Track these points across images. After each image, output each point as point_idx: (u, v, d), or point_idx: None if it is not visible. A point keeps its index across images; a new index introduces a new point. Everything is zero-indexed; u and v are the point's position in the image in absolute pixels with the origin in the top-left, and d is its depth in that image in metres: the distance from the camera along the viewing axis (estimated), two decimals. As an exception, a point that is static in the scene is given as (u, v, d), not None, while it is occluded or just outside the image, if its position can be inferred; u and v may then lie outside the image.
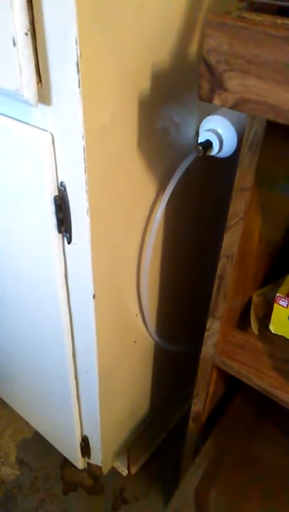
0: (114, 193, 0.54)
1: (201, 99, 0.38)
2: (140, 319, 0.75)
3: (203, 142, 0.59)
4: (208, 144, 0.59)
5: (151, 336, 0.80)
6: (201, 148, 0.58)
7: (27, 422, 1.05)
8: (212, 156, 0.60)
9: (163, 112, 0.56)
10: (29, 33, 0.41)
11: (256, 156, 0.43)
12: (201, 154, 0.59)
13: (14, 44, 0.41)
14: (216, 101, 0.37)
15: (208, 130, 0.59)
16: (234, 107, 0.36)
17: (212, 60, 0.35)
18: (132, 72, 0.48)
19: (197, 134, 0.62)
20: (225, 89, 0.36)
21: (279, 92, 0.33)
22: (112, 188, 0.54)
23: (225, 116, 0.59)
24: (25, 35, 0.41)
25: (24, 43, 0.41)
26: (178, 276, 0.79)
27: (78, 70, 0.41)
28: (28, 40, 0.42)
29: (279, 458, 0.68)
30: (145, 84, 0.51)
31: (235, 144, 0.60)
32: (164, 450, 1.03)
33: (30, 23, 0.41)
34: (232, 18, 0.33)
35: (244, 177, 0.45)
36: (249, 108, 0.35)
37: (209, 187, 0.73)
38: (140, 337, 0.78)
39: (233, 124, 0.59)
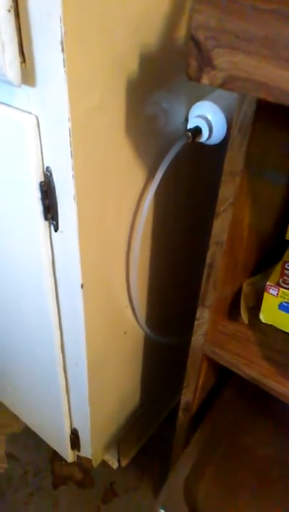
0: (102, 178, 0.53)
1: (190, 78, 0.37)
2: (130, 310, 0.74)
3: (193, 128, 0.58)
4: (197, 131, 0.58)
5: (141, 327, 0.79)
6: (190, 134, 0.57)
7: (16, 416, 1.04)
8: (202, 143, 0.60)
9: (152, 96, 0.55)
10: (12, 10, 0.40)
11: (246, 138, 0.42)
12: (190, 141, 0.58)
13: (-4, 21, 0.40)
14: (205, 80, 0.36)
15: (198, 116, 0.58)
16: (223, 85, 0.35)
17: (200, 36, 0.34)
18: (120, 53, 0.47)
19: (187, 120, 0.61)
20: (213, 67, 0.35)
21: (268, 68, 0.32)
22: (99, 174, 0.52)
23: (215, 102, 0.58)
24: (7, 12, 0.40)
25: (7, 21, 0.40)
26: (168, 266, 0.79)
27: (63, 49, 0.40)
28: (11, 17, 0.40)
29: (269, 448, 0.68)
30: (134, 67, 0.50)
31: (225, 131, 0.59)
32: (154, 443, 1.03)
33: (12, 0, 0.40)
34: (220, -9, 0.32)
35: (233, 160, 0.44)
36: (238, 86, 0.34)
37: (200, 174, 0.72)
38: (130, 328, 0.77)
39: (223, 110, 0.58)
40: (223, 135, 0.59)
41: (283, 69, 0.31)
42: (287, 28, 0.30)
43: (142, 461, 1.00)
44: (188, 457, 0.65)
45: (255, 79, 0.33)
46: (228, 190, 0.46)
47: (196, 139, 0.58)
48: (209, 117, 0.58)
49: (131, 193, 0.60)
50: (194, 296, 0.59)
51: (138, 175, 0.60)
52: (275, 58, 0.31)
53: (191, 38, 0.35)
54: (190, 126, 0.58)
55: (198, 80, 0.36)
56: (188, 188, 0.71)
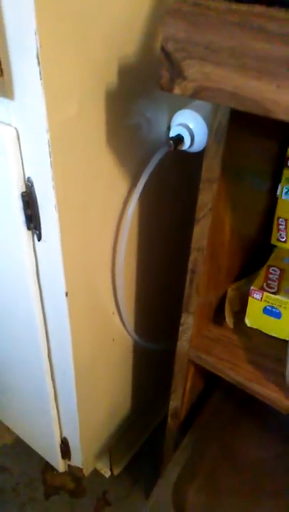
0: (83, 188, 0.54)
1: (162, 88, 0.37)
2: (117, 317, 0.75)
3: (174, 137, 0.58)
4: (179, 139, 0.59)
5: (129, 334, 0.79)
6: (172, 142, 0.58)
7: (7, 427, 1.03)
8: (184, 151, 0.60)
9: (133, 105, 0.56)
10: (-12, 25, 0.41)
11: (221, 146, 0.43)
12: (172, 149, 0.58)
13: (-27, 35, 0.40)
14: (177, 90, 0.37)
15: (180, 124, 0.59)
16: (194, 95, 0.36)
17: (170, 48, 0.35)
18: (98, 64, 0.48)
19: (169, 128, 0.62)
20: (184, 78, 0.35)
21: (236, 78, 0.33)
22: (81, 183, 0.53)
23: (196, 110, 0.59)
24: (-17, 27, 0.40)
25: (-17, 35, 0.41)
26: (154, 273, 0.79)
27: (39, 62, 0.41)
28: (-13, 31, 0.41)
29: (258, 452, 0.68)
30: (113, 77, 0.51)
31: (206, 139, 0.60)
32: (147, 450, 1.02)
33: (-11, 15, 0.41)
34: (188, 4, 0.33)
35: (210, 168, 0.45)
36: (209, 96, 0.35)
37: (183, 181, 0.73)
38: (118, 335, 0.77)
39: (205, 118, 0.59)
40: (205, 143, 0.59)
41: (250, 78, 0.32)
42: (252, 38, 0.31)
43: (135, 469, 0.99)
44: (177, 462, 0.65)
45: (225, 89, 0.34)
46: (206, 197, 0.47)
47: (178, 147, 0.59)
48: (191, 126, 0.58)
49: (114, 201, 0.61)
50: (181, 302, 0.60)
51: (121, 183, 0.60)
52: (241, 68, 0.32)
53: (162, 50, 0.36)
54: (172, 134, 0.59)
55: (170, 90, 0.37)
56: (172, 194, 0.72)
